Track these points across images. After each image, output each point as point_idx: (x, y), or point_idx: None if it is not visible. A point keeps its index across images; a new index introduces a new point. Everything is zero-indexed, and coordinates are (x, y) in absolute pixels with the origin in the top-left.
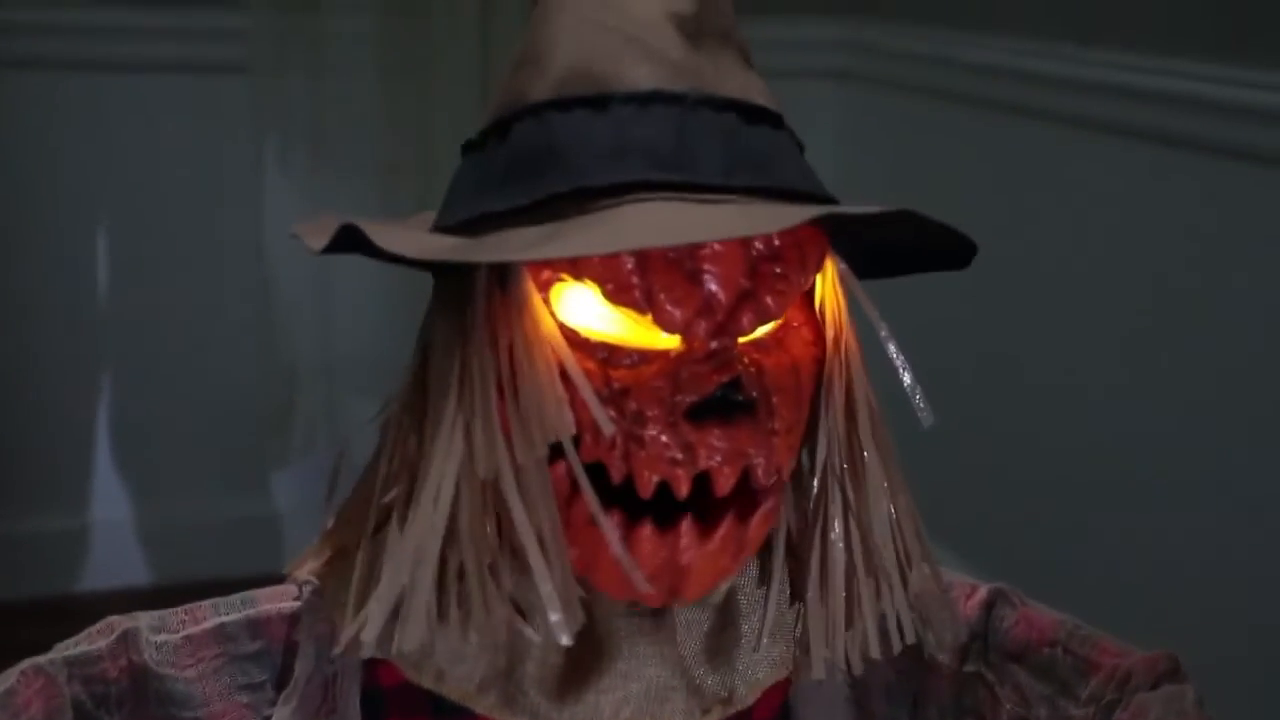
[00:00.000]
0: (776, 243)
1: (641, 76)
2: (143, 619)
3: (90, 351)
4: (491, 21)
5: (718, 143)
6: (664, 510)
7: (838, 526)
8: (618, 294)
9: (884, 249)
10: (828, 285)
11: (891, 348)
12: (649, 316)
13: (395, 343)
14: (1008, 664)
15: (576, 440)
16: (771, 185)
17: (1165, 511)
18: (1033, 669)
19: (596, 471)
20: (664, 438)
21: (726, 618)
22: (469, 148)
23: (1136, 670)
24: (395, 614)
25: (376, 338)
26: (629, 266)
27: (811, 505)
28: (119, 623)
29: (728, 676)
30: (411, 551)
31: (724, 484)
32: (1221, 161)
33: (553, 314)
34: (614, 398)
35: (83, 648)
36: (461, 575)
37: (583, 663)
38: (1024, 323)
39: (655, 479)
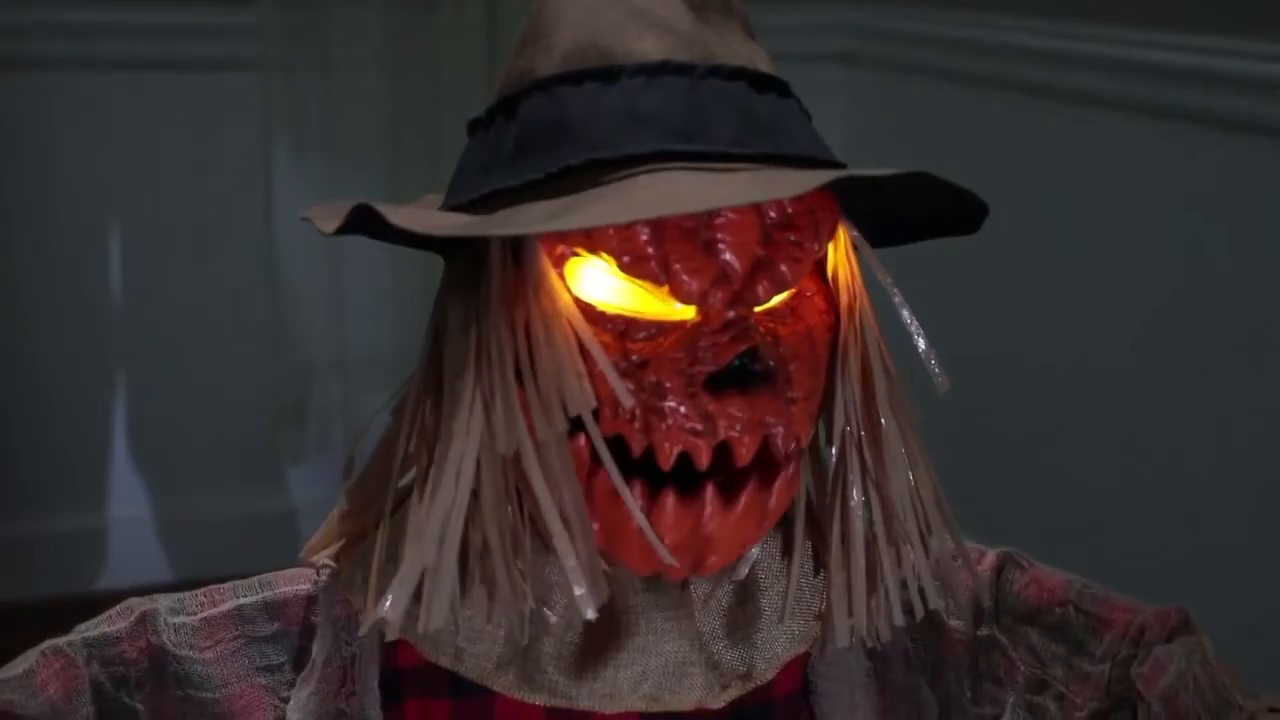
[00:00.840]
0: (790, 210)
1: (649, 48)
2: (162, 601)
3: (105, 351)
4: (498, 15)
5: (729, 111)
6: (685, 481)
7: (856, 494)
8: (634, 265)
9: (893, 217)
10: (840, 253)
11: (905, 313)
12: (665, 288)
13: (408, 337)
14: (1020, 626)
15: (596, 414)
16: (783, 152)
17: (1179, 492)
18: (1045, 629)
19: (616, 445)
20: (683, 409)
21: (745, 593)
22: (475, 126)
23: (1149, 625)
24: (418, 594)
25: (389, 333)
26: (644, 238)
27: (830, 474)
28: (138, 604)
29: (746, 652)
30: (435, 530)
31: (744, 454)
32: (1238, 136)
33: (568, 288)
34: (632, 370)
35: (102, 629)
36: (485, 553)
37: (601, 639)
38: (1034, 304)
39: (676, 450)
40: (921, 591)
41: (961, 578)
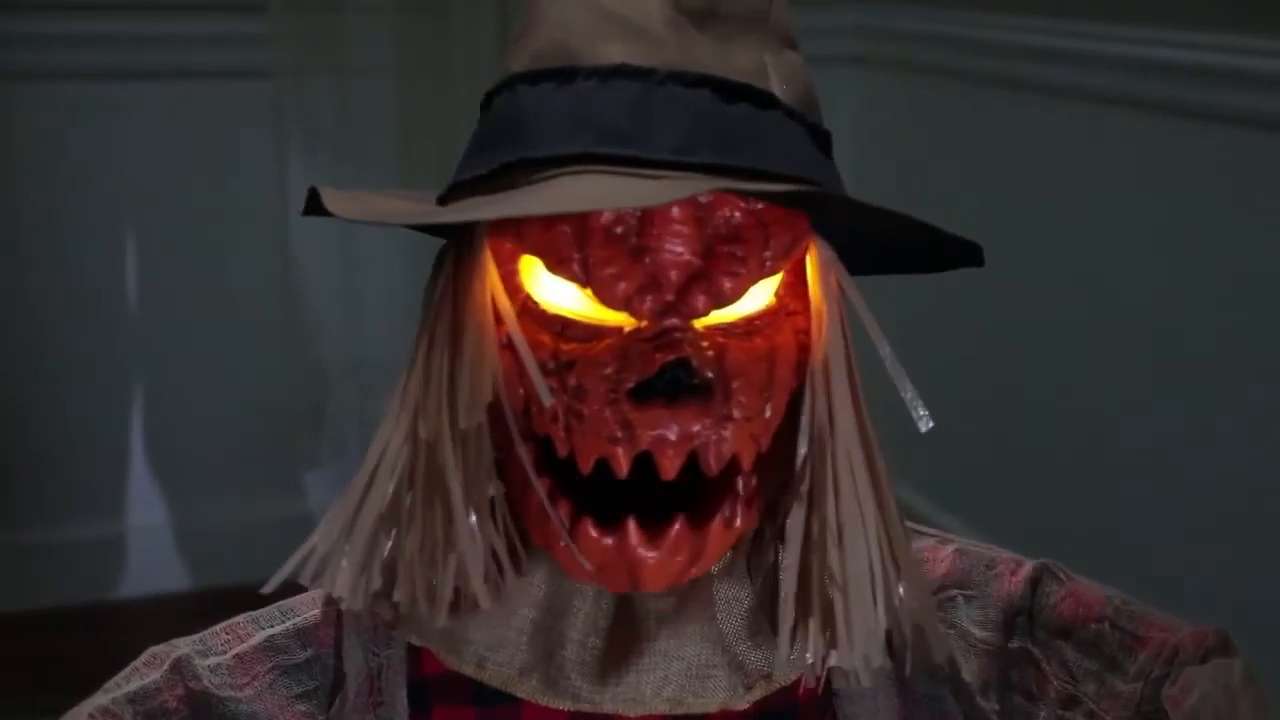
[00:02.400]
0: (738, 222)
1: (613, 51)
2: (183, 645)
3: (120, 359)
4: (510, 19)
5: (679, 118)
6: (627, 497)
7: (815, 530)
8: (558, 266)
9: (894, 246)
10: (813, 273)
11: (886, 351)
12: (589, 290)
13: None
14: (1054, 640)
15: (529, 412)
16: (732, 164)
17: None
18: (1080, 645)
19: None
20: (604, 414)
21: (768, 594)
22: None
23: (1184, 645)
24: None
25: (404, 338)
26: (567, 238)
27: (785, 504)
28: (163, 652)
29: (769, 653)
30: (351, 502)
31: (667, 466)
32: (1251, 134)
33: (520, 285)
34: (559, 371)
35: (137, 683)
36: (401, 533)
37: (623, 643)
38: (1046, 301)
39: (594, 456)
40: (872, 638)
41: (930, 627)
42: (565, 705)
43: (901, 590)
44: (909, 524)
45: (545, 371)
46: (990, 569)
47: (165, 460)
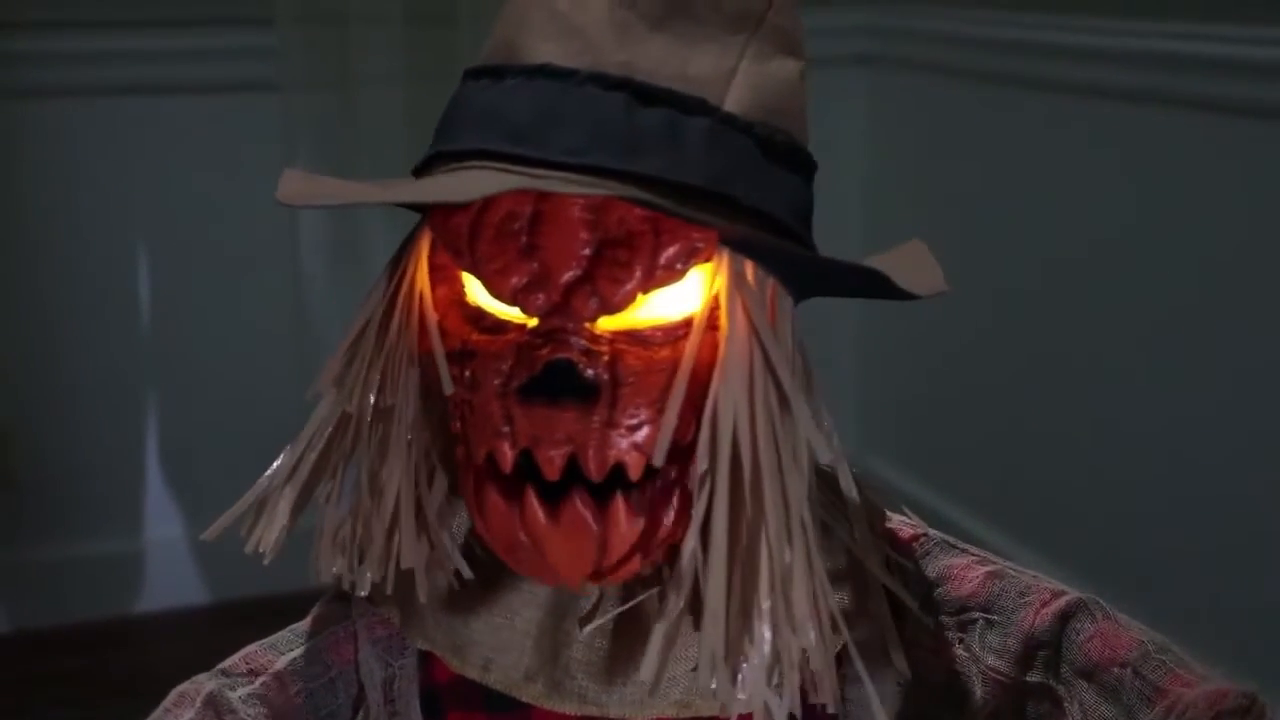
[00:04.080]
0: (631, 228)
1: (545, 50)
2: (206, 680)
3: (134, 374)
4: None
5: (583, 120)
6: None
7: (696, 554)
8: (456, 257)
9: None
10: (720, 290)
11: (785, 374)
12: (481, 283)
13: None
14: (1077, 679)
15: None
16: (628, 168)
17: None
18: (1100, 689)
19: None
20: (491, 408)
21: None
22: None
23: (1196, 703)
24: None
25: None
26: (462, 231)
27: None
28: (190, 691)
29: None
30: (283, 465)
31: (548, 467)
32: (1266, 128)
33: (457, 274)
34: (463, 360)
35: None
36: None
37: (629, 644)
38: (1056, 300)
39: (484, 449)
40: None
41: (825, 680)
42: (571, 708)
43: (783, 629)
44: (949, 538)
45: (452, 360)
46: (1023, 597)
47: (181, 474)
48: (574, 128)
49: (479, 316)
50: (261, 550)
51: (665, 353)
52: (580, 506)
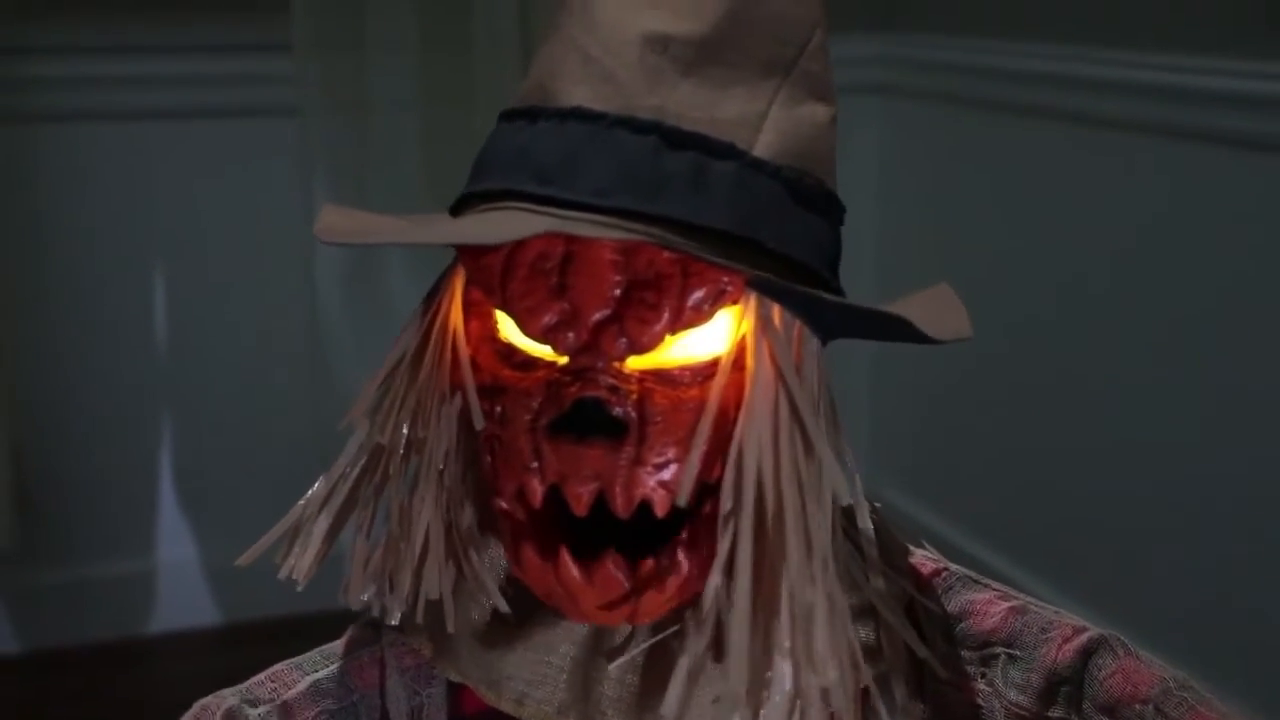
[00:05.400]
0: (660, 270)
1: (576, 93)
2: (230, 696)
3: (149, 395)
4: (531, 56)
5: (610, 163)
6: (594, 530)
7: (720, 592)
8: (488, 295)
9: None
10: (746, 333)
11: (811, 416)
12: (514, 321)
13: None
14: (1099, 715)
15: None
16: (653, 211)
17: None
18: None
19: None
20: (520, 443)
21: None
22: None
23: None
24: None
25: None
26: (494, 270)
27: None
28: (213, 704)
29: None
30: (320, 492)
31: (576, 504)
32: (1271, 158)
33: (490, 310)
34: (493, 396)
35: None
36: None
37: (660, 681)
38: (1070, 327)
39: (513, 485)
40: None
41: (849, 717)
42: None
43: (804, 667)
44: (970, 573)
45: (483, 395)
46: (1044, 632)
47: (195, 495)
48: (601, 170)
49: (510, 353)
50: (295, 577)
51: (693, 392)
52: (612, 569)
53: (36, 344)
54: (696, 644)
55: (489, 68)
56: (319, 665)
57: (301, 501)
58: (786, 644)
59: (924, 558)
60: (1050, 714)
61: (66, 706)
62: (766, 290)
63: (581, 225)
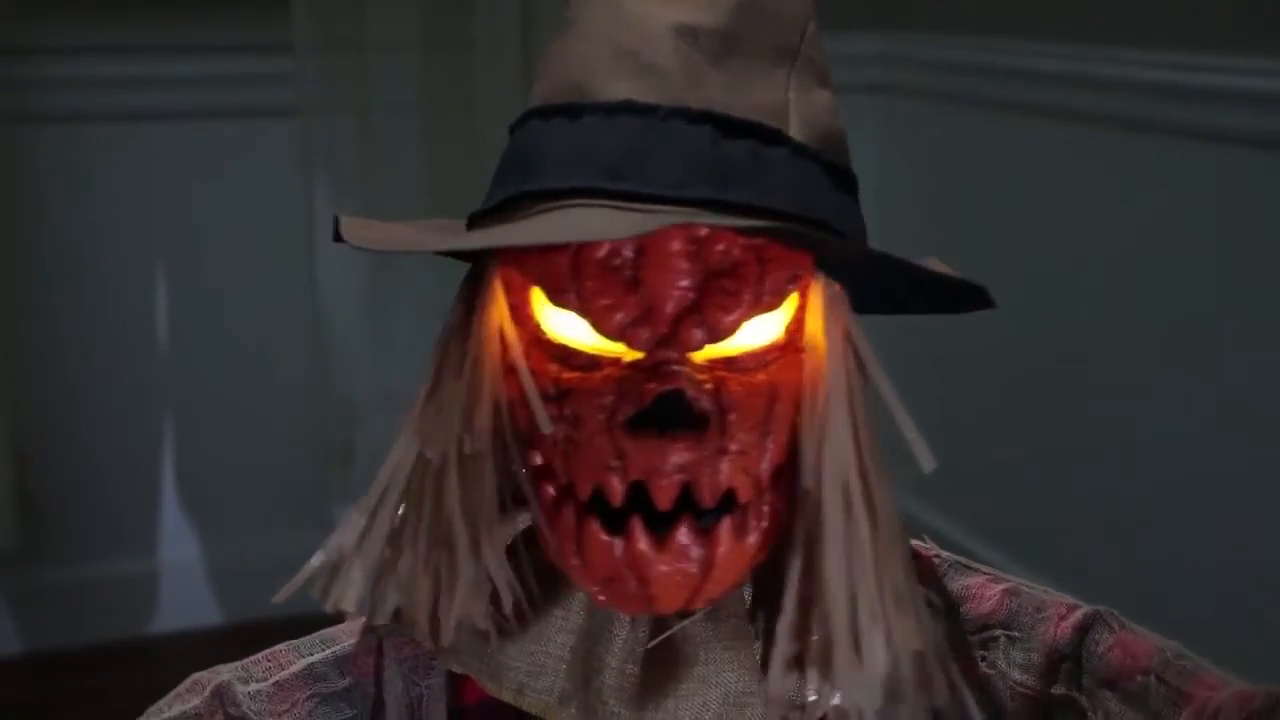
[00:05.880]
0: (735, 258)
1: (620, 88)
2: (226, 671)
3: (152, 396)
4: (533, 56)
5: (676, 154)
6: (616, 520)
7: (796, 567)
8: (556, 295)
9: (904, 285)
10: (814, 312)
11: (886, 387)
12: (587, 320)
13: None
14: (1100, 690)
15: (537, 439)
16: (729, 199)
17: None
18: (1125, 697)
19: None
20: (598, 442)
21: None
22: None
23: (1226, 705)
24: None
25: None
26: (565, 269)
27: (784, 539)
28: (206, 679)
29: (803, 684)
30: (359, 519)
31: (661, 497)
32: (1272, 156)
33: (530, 314)
34: (559, 399)
35: (178, 708)
36: (402, 549)
37: (661, 670)
38: (1068, 324)
39: (591, 483)
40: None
41: (935, 669)
42: None
43: (896, 635)
44: (960, 559)
45: (546, 399)
46: (1040, 612)
47: (197, 496)
48: (671, 162)
49: (566, 355)
50: (342, 608)
51: (760, 377)
52: (687, 534)
53: (38, 344)
54: (787, 625)
55: (490, 68)
56: (316, 649)
57: (339, 533)
58: (878, 612)
59: (918, 547)
60: (1053, 691)
61: (69, 707)
62: (829, 268)
63: (703, 216)
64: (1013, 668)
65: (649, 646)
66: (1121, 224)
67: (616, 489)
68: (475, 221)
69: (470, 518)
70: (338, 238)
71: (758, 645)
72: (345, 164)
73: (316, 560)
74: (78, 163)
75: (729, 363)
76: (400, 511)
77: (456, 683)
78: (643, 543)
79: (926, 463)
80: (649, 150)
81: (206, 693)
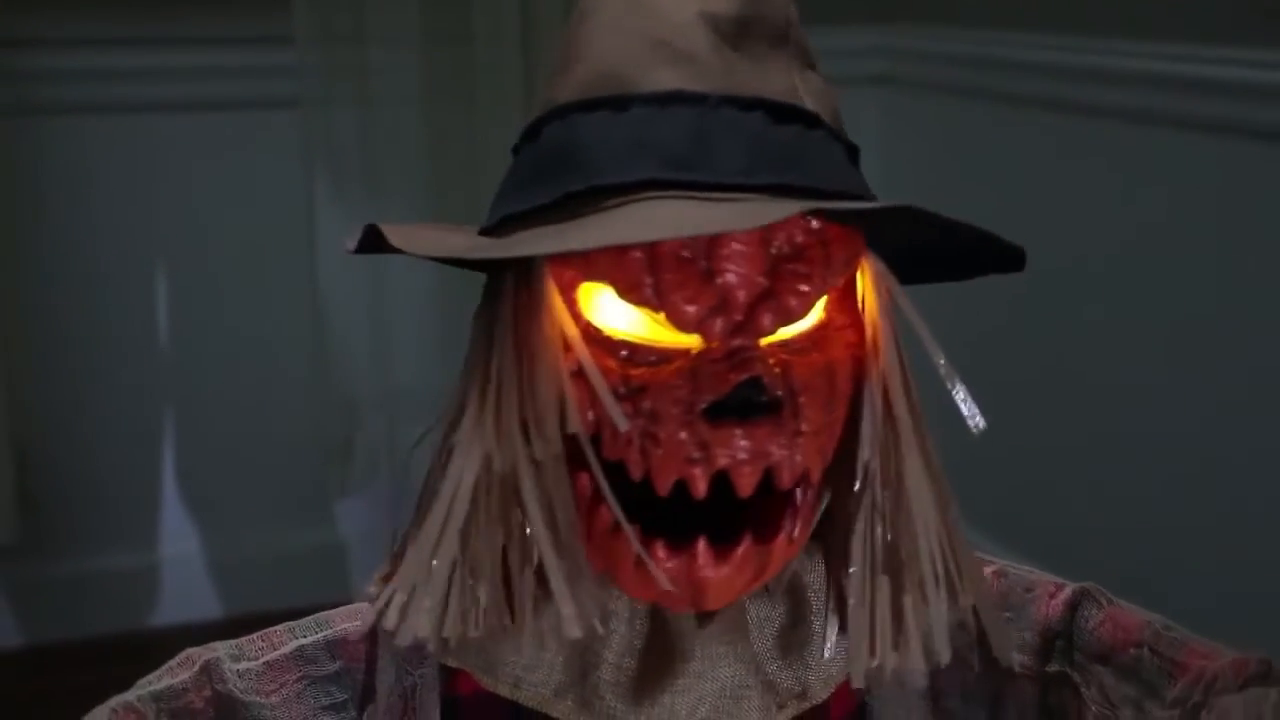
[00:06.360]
0: (799, 241)
1: (665, 77)
2: (220, 649)
3: (153, 390)
4: (534, 48)
5: (738, 141)
6: (687, 517)
7: (877, 534)
8: (629, 292)
9: (935, 253)
10: (867, 286)
11: (940, 360)
12: (662, 314)
13: (452, 369)
14: (1093, 665)
15: (598, 439)
16: (790, 183)
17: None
18: (1118, 670)
19: (618, 470)
20: (680, 436)
21: (799, 614)
22: (514, 152)
23: (1223, 673)
24: (439, 606)
25: (433, 365)
26: (639, 264)
27: (850, 512)
28: (198, 654)
29: (801, 673)
30: (427, 544)
31: (744, 484)
32: (1276, 148)
33: (580, 312)
34: (631, 395)
35: (166, 681)
36: (475, 569)
37: (657, 664)
38: (1071, 318)
39: (673, 478)
40: (943, 637)
41: (995, 624)
42: None
43: (966, 587)
44: None
45: (616, 397)
46: (1029, 592)
47: (197, 490)
48: (734, 149)
49: (631, 351)
50: (420, 636)
51: (816, 357)
52: (753, 546)
53: (38, 338)
54: (865, 577)
55: (490, 61)
56: (310, 631)
57: (411, 557)
58: (939, 571)
59: None
60: (1048, 669)
61: (69, 700)
62: (901, 252)
63: (789, 207)
64: (975, 665)
65: (646, 641)
66: (1123, 216)
67: (700, 481)
68: (518, 221)
69: (551, 524)
70: (370, 247)
71: (753, 637)
72: (346, 156)
73: (382, 593)
74: (76, 155)
75: (786, 345)
76: (462, 531)
77: (450, 672)
78: (704, 560)
79: (975, 424)
80: (712, 139)
81: (195, 668)
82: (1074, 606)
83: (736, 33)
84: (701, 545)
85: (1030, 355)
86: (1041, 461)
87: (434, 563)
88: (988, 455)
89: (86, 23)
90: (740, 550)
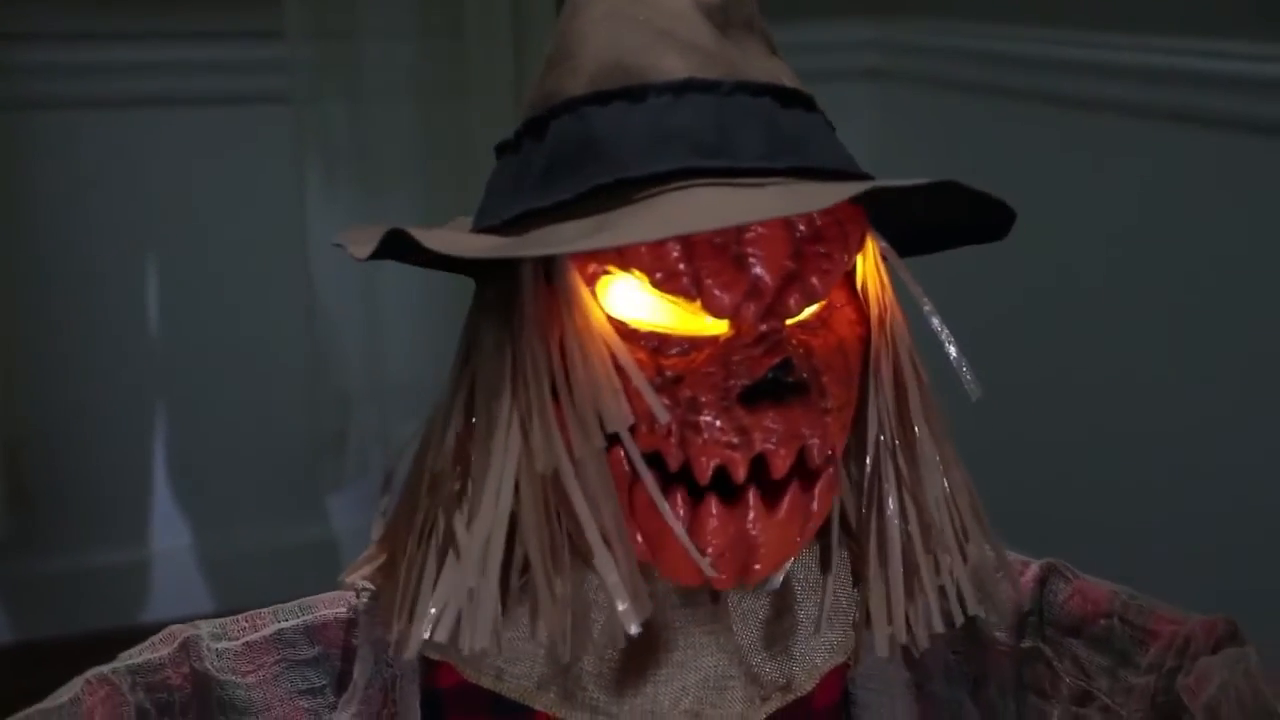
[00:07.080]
0: (819, 223)
1: (675, 66)
2: (204, 627)
3: (144, 384)
4: (526, 42)
5: (756, 126)
6: (723, 491)
7: (892, 502)
8: (666, 282)
9: (921, 225)
10: (869, 264)
11: (936, 321)
12: (698, 302)
13: (444, 364)
14: (1065, 638)
15: (633, 430)
16: (810, 165)
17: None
18: (1090, 641)
19: (653, 460)
20: (719, 422)
21: (782, 604)
22: (503, 149)
23: (1195, 636)
24: (460, 613)
25: (425, 360)
26: (676, 254)
27: (866, 483)
28: (180, 631)
29: (785, 663)
30: (477, 551)
31: (780, 465)
32: (1273, 141)
33: (601, 306)
34: (666, 386)
35: (146, 656)
36: (525, 571)
37: (640, 656)
38: (1064, 313)
39: (713, 464)
40: (961, 599)
41: (1002, 586)
42: (583, 718)
43: (973, 549)
44: None
45: (653, 388)
46: (996, 569)
47: (189, 485)
48: (754, 135)
49: (659, 342)
50: (477, 647)
51: (829, 335)
52: (800, 493)
53: (31, 332)
54: (878, 566)
55: (482, 55)
56: (291, 615)
57: (459, 568)
58: (953, 532)
59: None
60: (1023, 645)
61: None
62: (889, 227)
63: (808, 190)
64: (989, 625)
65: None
66: (1118, 210)
67: (740, 464)
68: (544, 217)
69: (600, 519)
70: (391, 252)
71: (736, 627)
72: (338, 150)
73: (438, 608)
74: (67, 150)
75: (802, 326)
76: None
77: (430, 665)
78: (756, 510)
79: (973, 390)
80: (731, 125)
81: (175, 644)
82: (1042, 582)
83: (723, 20)
84: (753, 494)
85: (1025, 350)
86: (1041, 459)
87: (483, 575)
88: (986, 452)
89: (77, 17)
90: (788, 497)
